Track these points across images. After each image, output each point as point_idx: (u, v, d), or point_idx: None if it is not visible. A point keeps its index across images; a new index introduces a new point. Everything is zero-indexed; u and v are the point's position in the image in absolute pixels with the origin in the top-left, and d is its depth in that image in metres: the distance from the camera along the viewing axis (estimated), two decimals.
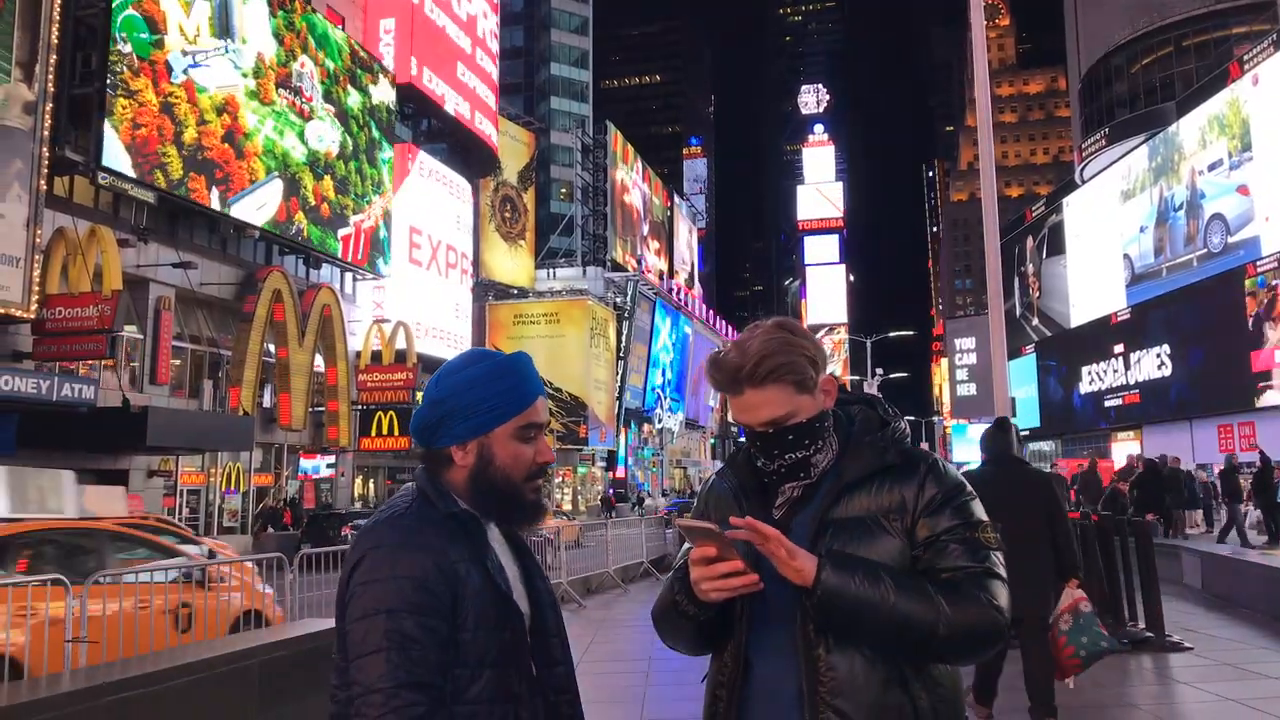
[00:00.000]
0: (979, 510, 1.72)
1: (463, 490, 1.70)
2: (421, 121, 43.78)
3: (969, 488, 1.75)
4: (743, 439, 2.27)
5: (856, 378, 73.74)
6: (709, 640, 1.80)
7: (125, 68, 23.56)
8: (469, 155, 46.62)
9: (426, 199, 40.89)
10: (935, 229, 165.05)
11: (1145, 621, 9.21)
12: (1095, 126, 58.29)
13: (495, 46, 50.11)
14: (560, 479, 52.67)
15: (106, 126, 22.79)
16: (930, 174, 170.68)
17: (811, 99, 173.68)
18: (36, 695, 4.81)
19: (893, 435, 1.80)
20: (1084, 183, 52.57)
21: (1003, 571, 1.68)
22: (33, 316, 20.71)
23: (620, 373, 57.25)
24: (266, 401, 29.14)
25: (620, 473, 58.04)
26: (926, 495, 1.70)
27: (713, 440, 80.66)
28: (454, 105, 43.51)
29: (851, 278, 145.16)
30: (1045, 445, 57.04)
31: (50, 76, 21.50)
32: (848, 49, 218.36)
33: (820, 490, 1.75)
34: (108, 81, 22.99)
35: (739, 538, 1.62)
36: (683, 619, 1.74)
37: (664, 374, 65.87)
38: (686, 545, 2.00)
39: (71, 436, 20.97)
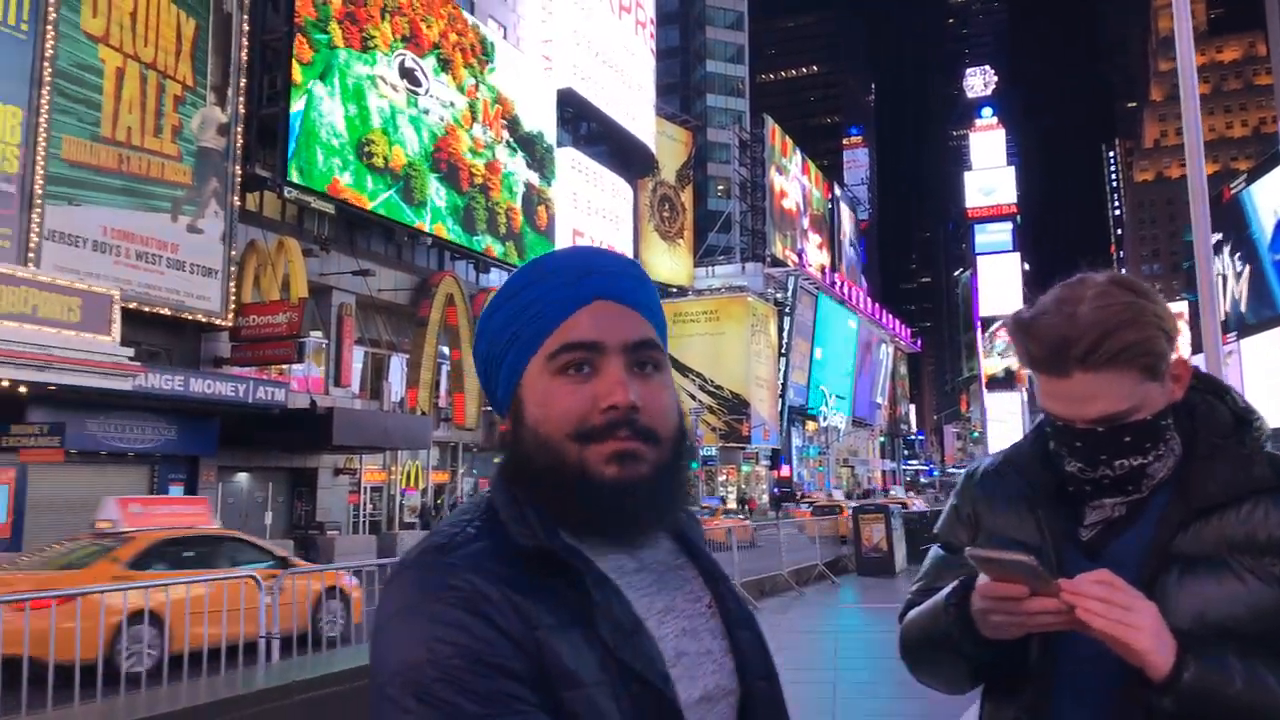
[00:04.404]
0: None
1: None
2: (580, 125, 44.42)
3: None
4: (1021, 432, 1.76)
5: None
6: (981, 679, 1.41)
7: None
8: (627, 156, 47.00)
9: (587, 201, 41.46)
10: (1118, 212, 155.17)
11: None
12: None
13: (653, 48, 50.33)
14: (724, 477, 52.36)
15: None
16: (1111, 154, 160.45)
17: (978, 81, 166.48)
18: (234, 692, 4.87)
19: (1257, 440, 1.32)
20: None
21: None
22: (230, 324, 22.10)
23: (782, 369, 56.41)
24: (442, 402, 30.16)
25: (785, 471, 57.18)
26: None
27: (881, 439, 78.45)
28: (612, 109, 43.93)
29: (1026, 266, 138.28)
30: None
31: (241, 99, 22.88)
32: (1014, 28, 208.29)
33: (1151, 509, 1.30)
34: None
35: (1080, 601, 1.17)
36: (955, 656, 1.35)
37: (830, 370, 64.47)
38: (933, 558, 1.60)
39: (266, 438, 22.26)
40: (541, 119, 36.42)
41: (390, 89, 28.21)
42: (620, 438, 0.99)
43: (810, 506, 36.14)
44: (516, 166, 34.40)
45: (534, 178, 35.42)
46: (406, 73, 28.97)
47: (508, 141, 33.93)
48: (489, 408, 31.44)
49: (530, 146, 35.34)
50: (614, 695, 0.92)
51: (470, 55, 32.03)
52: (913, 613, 1.47)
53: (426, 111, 29.77)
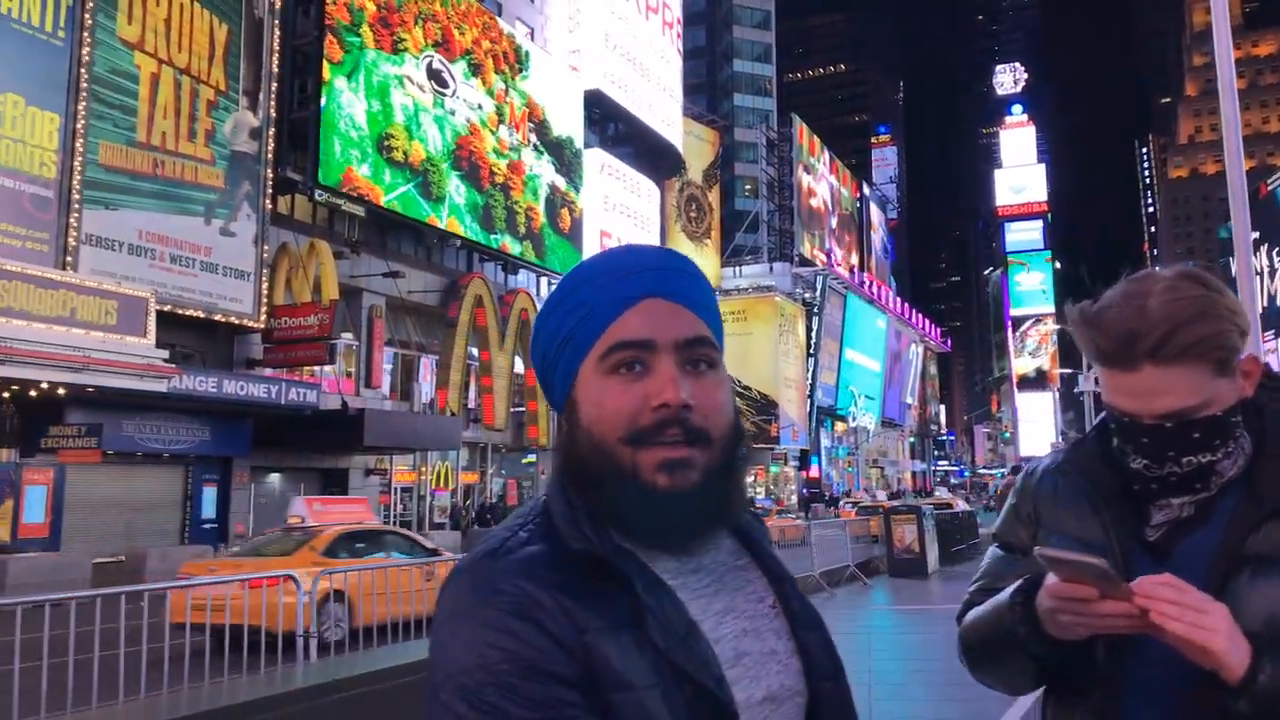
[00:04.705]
0: None
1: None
2: (608, 126, 44.45)
3: None
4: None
5: (1068, 370, 69.20)
6: (1044, 680, 1.38)
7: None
8: (655, 157, 46.97)
9: (614, 202, 41.48)
10: (1151, 209, 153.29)
11: None
12: None
13: (680, 48, 50.30)
14: (753, 479, 52.22)
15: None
16: (1144, 150, 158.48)
17: (1008, 78, 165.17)
18: (273, 690, 4.91)
19: None
20: None
21: None
22: (263, 326, 22.33)
23: (811, 370, 56.19)
24: (471, 403, 30.31)
25: (814, 472, 56.94)
26: None
27: (911, 439, 77.89)
28: (639, 109, 43.94)
29: (1057, 264, 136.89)
30: None
31: (272, 103, 23.12)
32: (1046, 23, 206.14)
33: (1220, 510, 1.27)
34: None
35: (1154, 605, 1.14)
36: (1020, 657, 1.32)
37: (859, 370, 64.12)
38: (992, 557, 1.58)
39: (297, 439, 22.46)
40: (571, 124, 36.47)
41: (416, 89, 28.39)
42: (670, 438, 0.97)
43: (854, 506, 36.70)
44: (543, 169, 34.48)
45: (561, 182, 35.48)
46: (434, 74, 29.11)
47: (535, 145, 34.03)
48: (517, 408, 31.68)
49: (559, 151, 35.42)
50: (667, 698, 0.91)
51: (503, 62, 32.13)
52: (973, 612, 1.44)
53: (453, 113, 29.94)
